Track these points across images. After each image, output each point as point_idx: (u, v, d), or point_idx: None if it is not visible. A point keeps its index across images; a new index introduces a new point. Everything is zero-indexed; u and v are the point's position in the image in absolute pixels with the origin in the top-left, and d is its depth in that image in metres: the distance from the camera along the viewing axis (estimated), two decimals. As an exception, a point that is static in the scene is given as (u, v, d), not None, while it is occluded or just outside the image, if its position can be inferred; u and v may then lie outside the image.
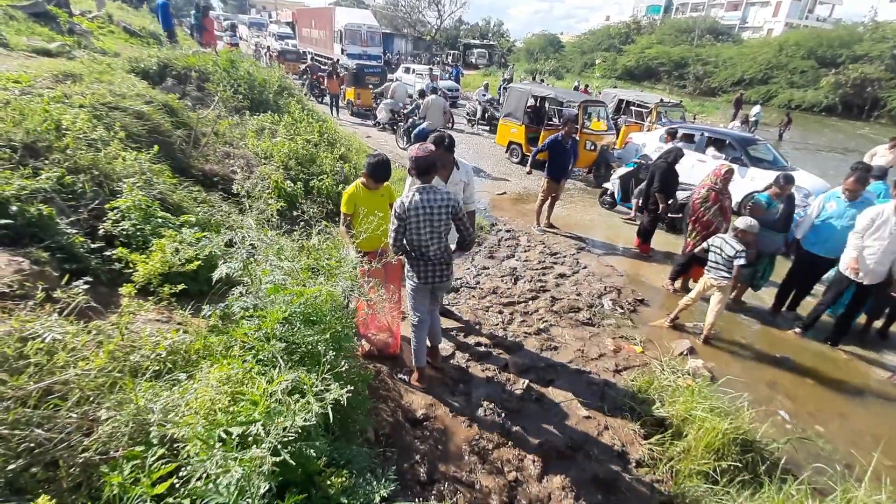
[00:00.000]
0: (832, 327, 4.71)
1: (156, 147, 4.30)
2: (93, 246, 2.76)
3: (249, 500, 1.18)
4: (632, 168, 7.72)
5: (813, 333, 4.79)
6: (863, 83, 26.41)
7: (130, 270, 2.77)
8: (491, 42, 44.89)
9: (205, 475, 1.22)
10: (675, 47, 34.97)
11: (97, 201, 3.12)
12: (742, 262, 4.01)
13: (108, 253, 2.77)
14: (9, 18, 7.21)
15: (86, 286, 2.16)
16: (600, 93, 17.30)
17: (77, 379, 1.50)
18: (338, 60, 17.93)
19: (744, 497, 2.65)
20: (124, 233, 2.97)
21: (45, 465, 1.31)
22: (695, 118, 18.10)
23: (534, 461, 2.91)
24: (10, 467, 1.20)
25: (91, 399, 1.54)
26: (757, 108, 18.73)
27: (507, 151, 11.25)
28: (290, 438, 1.45)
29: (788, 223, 4.60)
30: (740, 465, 2.83)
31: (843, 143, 20.07)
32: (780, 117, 18.17)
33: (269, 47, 25.57)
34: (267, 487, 1.23)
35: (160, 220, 3.16)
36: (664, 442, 3.08)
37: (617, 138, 10.90)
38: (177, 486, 1.32)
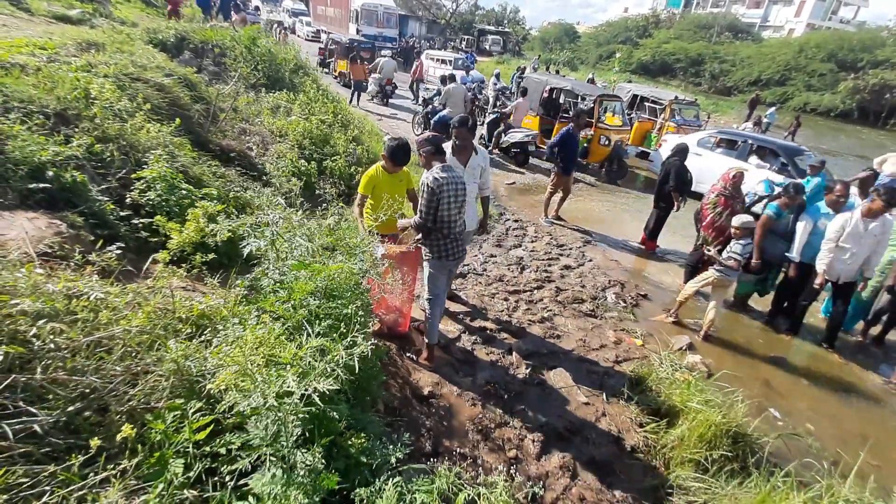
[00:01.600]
0: (825, 330, 4.81)
1: (178, 120, 4.38)
2: (121, 214, 2.88)
3: (283, 443, 1.31)
4: (495, 117, 10.07)
5: (809, 337, 4.89)
6: (882, 89, 26.03)
7: (156, 239, 2.90)
8: (506, 29, 44.28)
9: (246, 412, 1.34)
10: (693, 43, 34.42)
11: (124, 171, 3.22)
12: (750, 248, 4.17)
13: (135, 221, 2.90)
14: (31, -17, 7.24)
15: (118, 251, 2.29)
16: (615, 87, 17.10)
17: (122, 335, 1.61)
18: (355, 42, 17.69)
19: (732, 486, 2.78)
20: (150, 203, 3.08)
21: (96, 411, 1.43)
22: (709, 117, 17.89)
23: (533, 441, 3.04)
24: (69, 409, 1.32)
25: (133, 354, 1.66)
26: (771, 110, 18.52)
27: None
28: (317, 398, 1.57)
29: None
30: (730, 455, 2.96)
31: (856, 149, 19.92)
32: (790, 120, 17.98)
33: (280, 23, 25.36)
34: (300, 432, 1.36)
35: (184, 192, 3.27)
36: (659, 430, 3.20)
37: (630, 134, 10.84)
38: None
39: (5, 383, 1.20)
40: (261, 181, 4.92)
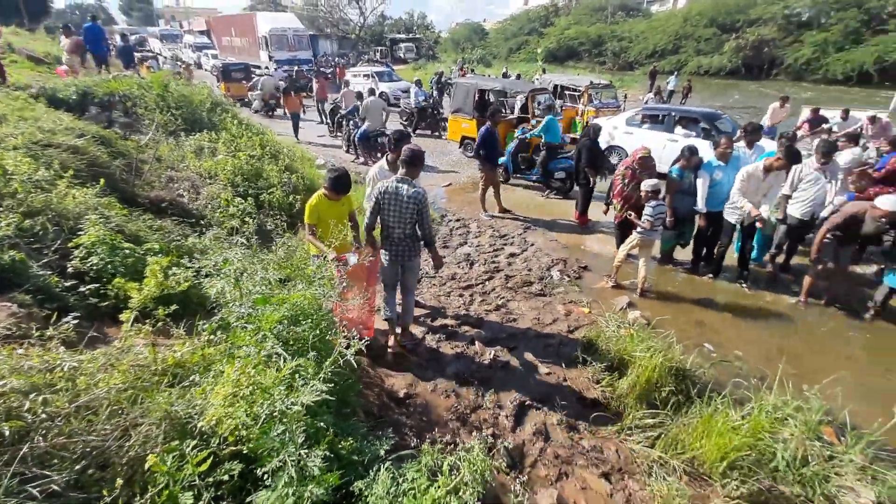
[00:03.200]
0: (738, 266, 5.48)
1: (101, 181, 4.31)
2: (66, 284, 2.88)
3: (293, 449, 1.49)
4: (333, 106, 12.66)
5: (729, 276, 5.54)
6: (760, 45, 28.80)
7: (106, 303, 2.91)
8: (417, 35, 44.95)
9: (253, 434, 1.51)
10: (592, 26, 36.52)
11: (59, 241, 3.19)
12: (661, 209, 4.75)
13: (82, 289, 2.90)
14: None
15: (75, 321, 2.34)
16: (534, 80, 17.86)
17: (106, 395, 1.72)
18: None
19: (680, 415, 3.20)
20: (94, 268, 3.07)
21: (99, 467, 1.54)
22: (626, 97, 18.98)
23: (507, 417, 3.33)
24: (76, 468, 1.43)
25: (119, 412, 1.77)
26: (672, 78, 20.13)
27: (461, 146, 11.31)
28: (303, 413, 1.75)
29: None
30: (676, 390, 3.39)
31: (749, 101, 22.05)
32: (682, 85, 19.52)
33: (178, 58, 24.32)
34: (304, 437, 1.54)
35: (127, 251, 3.28)
36: (613, 382, 3.60)
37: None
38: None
39: (19, 455, 1.30)
40: (199, 226, 4.91)
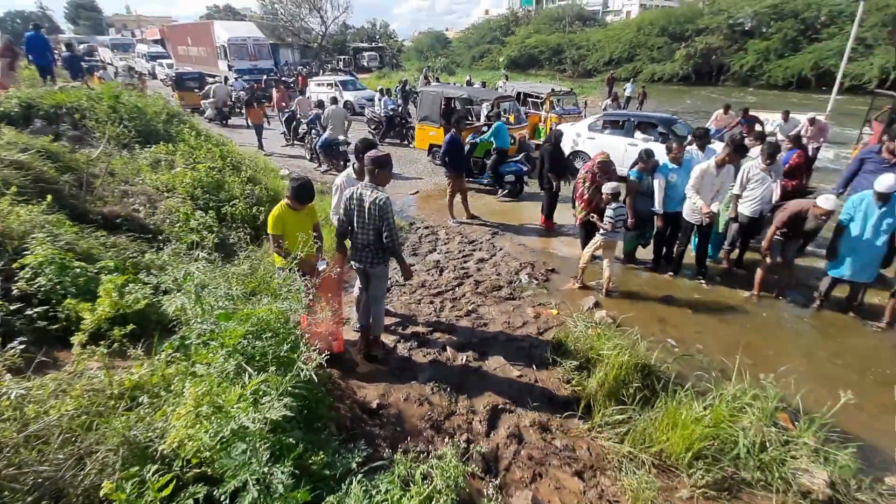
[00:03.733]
0: (696, 264, 5.72)
1: (49, 197, 4.10)
2: (11, 308, 2.71)
3: (256, 466, 1.44)
4: (289, 115, 12.84)
5: (688, 273, 5.77)
6: (708, 52, 30.41)
7: (56, 326, 2.77)
8: (380, 44, 45.02)
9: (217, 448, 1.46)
10: (551, 35, 37.62)
11: (2, 262, 3.02)
12: (622, 211, 4.90)
13: (29, 312, 2.74)
14: None
15: (21, 347, 2.21)
16: (497, 87, 18.19)
17: (58, 422, 1.63)
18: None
19: (646, 410, 3.30)
20: (42, 289, 2.91)
21: (53, 499, 1.46)
22: (586, 104, 19.58)
23: (480, 422, 3.34)
24: (29, 499, 1.35)
25: (73, 439, 1.68)
26: (628, 85, 20.89)
27: (429, 154, 11.30)
28: (272, 428, 1.71)
29: None
30: (642, 386, 3.49)
31: (701, 107, 23.14)
32: (638, 91, 20.37)
33: (131, 68, 23.39)
34: (268, 455, 1.50)
35: (77, 271, 3.12)
36: (582, 381, 3.67)
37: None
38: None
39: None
40: (157, 241, 4.73)
